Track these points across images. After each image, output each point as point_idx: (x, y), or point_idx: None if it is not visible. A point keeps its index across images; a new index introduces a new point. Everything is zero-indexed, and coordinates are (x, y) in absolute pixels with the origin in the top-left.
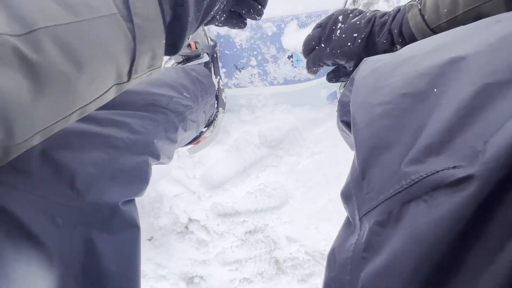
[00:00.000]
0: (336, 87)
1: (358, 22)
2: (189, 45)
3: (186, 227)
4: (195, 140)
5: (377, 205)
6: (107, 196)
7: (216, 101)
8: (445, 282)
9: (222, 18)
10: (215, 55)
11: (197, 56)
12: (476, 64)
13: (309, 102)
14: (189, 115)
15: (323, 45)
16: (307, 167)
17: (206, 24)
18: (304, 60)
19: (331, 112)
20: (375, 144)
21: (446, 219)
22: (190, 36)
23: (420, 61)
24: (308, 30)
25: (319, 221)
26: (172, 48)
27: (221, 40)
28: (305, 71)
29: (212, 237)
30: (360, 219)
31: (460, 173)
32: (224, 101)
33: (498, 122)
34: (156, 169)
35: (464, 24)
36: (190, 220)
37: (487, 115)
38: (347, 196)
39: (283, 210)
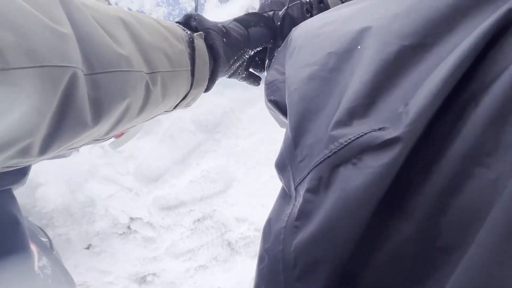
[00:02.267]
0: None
1: None
2: None
3: (128, 227)
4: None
5: (308, 173)
6: None
7: None
8: (376, 240)
9: (244, 75)
10: None
11: None
12: (394, 25)
13: (240, 82)
14: None
15: None
16: (246, 148)
17: (230, 77)
18: None
19: (263, 91)
20: (305, 109)
21: (375, 180)
22: None
23: (345, 21)
24: (229, 6)
25: (264, 198)
26: (206, 89)
27: None
28: None
29: (158, 232)
30: (295, 188)
31: (387, 135)
32: None
33: (414, 85)
34: (79, 171)
35: None
36: (131, 219)
37: (404, 79)
38: (281, 166)
39: (228, 193)
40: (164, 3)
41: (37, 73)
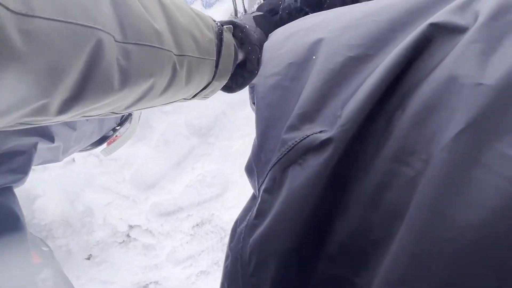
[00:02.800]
0: None
1: None
2: None
3: (128, 235)
4: (106, 139)
5: (267, 175)
6: None
7: None
8: (325, 234)
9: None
10: None
11: None
12: (342, 38)
13: None
14: None
15: None
16: (240, 150)
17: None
18: None
19: None
20: (269, 116)
21: (312, 178)
22: None
23: (305, 33)
24: (213, 10)
25: None
26: (228, 89)
27: None
28: None
29: (158, 239)
30: (258, 189)
31: (323, 136)
32: None
33: (353, 92)
34: (76, 180)
35: None
36: (130, 227)
37: (347, 87)
38: (249, 170)
39: (225, 197)
40: None
41: (61, 28)
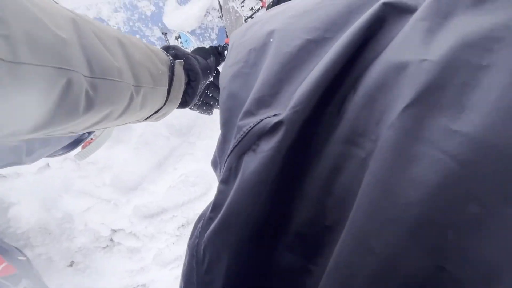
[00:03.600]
0: None
1: None
2: None
3: (111, 240)
4: (80, 143)
5: (224, 165)
6: None
7: None
8: (274, 222)
9: (198, 102)
10: None
11: None
12: (301, 22)
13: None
14: None
15: None
16: None
17: (196, 102)
18: (193, 39)
19: None
20: (231, 106)
21: (265, 164)
22: None
23: (266, 21)
24: (189, 7)
25: None
26: (183, 105)
27: None
28: None
29: (143, 242)
30: (220, 182)
31: (275, 119)
32: None
33: (307, 74)
34: (52, 186)
35: None
36: (113, 231)
37: (305, 70)
38: (214, 163)
39: (210, 196)
40: (122, 8)
41: (40, 71)
